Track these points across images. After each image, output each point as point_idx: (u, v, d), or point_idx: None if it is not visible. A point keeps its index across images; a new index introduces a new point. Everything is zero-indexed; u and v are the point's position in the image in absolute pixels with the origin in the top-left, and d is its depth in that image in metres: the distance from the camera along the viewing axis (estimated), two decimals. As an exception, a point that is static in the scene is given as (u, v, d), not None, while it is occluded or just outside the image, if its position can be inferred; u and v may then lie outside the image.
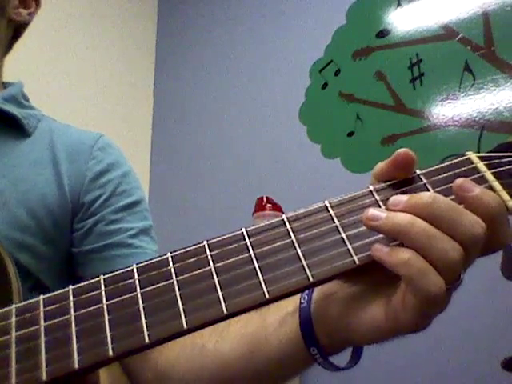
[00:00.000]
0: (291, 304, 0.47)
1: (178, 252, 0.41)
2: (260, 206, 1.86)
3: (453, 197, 0.39)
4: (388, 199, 0.40)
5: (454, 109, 1.84)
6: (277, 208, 1.84)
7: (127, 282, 0.40)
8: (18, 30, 0.81)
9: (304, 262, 0.39)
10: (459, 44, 1.88)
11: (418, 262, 0.36)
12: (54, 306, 0.40)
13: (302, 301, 0.46)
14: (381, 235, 0.39)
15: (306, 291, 0.46)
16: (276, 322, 0.48)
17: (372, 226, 0.38)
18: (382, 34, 2.06)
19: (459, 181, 0.39)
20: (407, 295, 0.37)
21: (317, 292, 0.45)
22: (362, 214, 0.39)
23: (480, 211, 0.37)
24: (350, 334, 0.42)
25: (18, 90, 0.79)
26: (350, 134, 2.03)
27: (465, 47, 1.86)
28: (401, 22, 2.04)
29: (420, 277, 0.36)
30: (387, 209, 0.39)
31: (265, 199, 1.87)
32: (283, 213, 1.79)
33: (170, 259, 0.41)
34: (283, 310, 0.48)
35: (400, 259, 0.37)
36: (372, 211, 0.38)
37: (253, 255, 0.40)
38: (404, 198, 0.38)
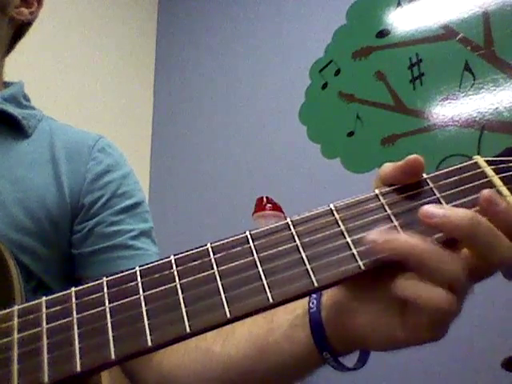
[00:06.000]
0: (300, 307, 0.47)
1: (182, 255, 0.41)
2: (260, 205, 1.86)
3: (462, 200, 0.39)
4: (394, 203, 0.40)
5: (454, 109, 1.84)
6: (277, 208, 1.84)
7: (130, 284, 0.40)
8: (19, 29, 0.80)
9: (308, 267, 0.38)
10: (459, 44, 1.88)
11: (411, 282, 0.37)
12: (56, 308, 0.40)
13: (311, 305, 0.46)
14: None
15: (314, 295, 0.46)
16: (285, 325, 0.48)
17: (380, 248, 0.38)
18: (382, 34, 2.06)
19: (487, 193, 0.38)
20: (418, 312, 0.37)
21: (328, 298, 0.45)
22: (369, 235, 0.38)
23: (504, 225, 0.37)
24: (364, 342, 0.42)
25: (18, 89, 0.79)
26: (350, 134, 2.03)
27: (465, 47, 1.86)
28: (401, 21, 2.04)
29: (419, 296, 0.36)
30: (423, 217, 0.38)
31: (265, 199, 1.87)
32: (283, 213, 1.78)
33: (173, 262, 0.40)
34: (292, 313, 0.48)
35: (398, 284, 0.37)
36: (373, 235, 0.38)
37: (257, 259, 0.39)
38: (439, 211, 0.37)
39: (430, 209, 0.38)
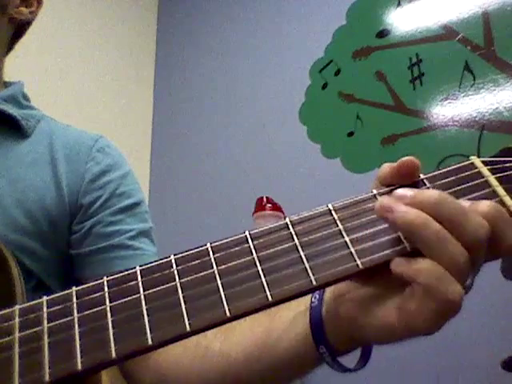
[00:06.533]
0: (302, 304, 0.47)
1: (182, 254, 0.41)
2: (260, 205, 1.86)
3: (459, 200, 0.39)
4: None
5: (454, 109, 1.84)
6: (277, 208, 1.84)
7: (130, 283, 0.40)
8: (19, 28, 0.80)
9: (307, 266, 0.39)
10: (459, 44, 1.88)
11: (435, 269, 0.36)
12: (57, 307, 0.40)
13: (313, 300, 0.46)
14: (384, 239, 0.39)
15: (318, 291, 0.46)
16: (286, 321, 0.49)
17: (384, 216, 0.38)
18: (382, 34, 2.07)
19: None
20: (425, 301, 0.37)
21: (328, 292, 0.45)
22: (376, 202, 0.39)
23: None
24: (360, 335, 0.42)
25: (18, 89, 0.79)
26: (350, 134, 2.03)
27: (465, 47, 1.86)
28: (401, 22, 2.04)
29: (438, 284, 0.36)
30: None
31: (265, 199, 1.87)
32: (283, 213, 1.78)
33: (173, 261, 0.41)
34: (294, 309, 0.48)
35: (417, 268, 0.37)
36: (387, 201, 0.38)
37: (256, 258, 0.40)
38: (410, 192, 0.38)
39: (403, 191, 0.39)
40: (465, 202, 0.38)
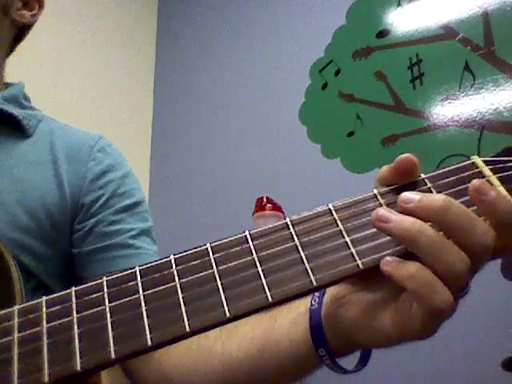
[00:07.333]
0: (303, 306, 0.47)
1: (181, 254, 0.41)
2: (260, 206, 1.86)
3: (460, 200, 0.39)
4: (393, 203, 0.40)
5: (454, 109, 1.84)
6: (277, 208, 1.84)
7: (130, 284, 0.40)
8: (20, 31, 0.81)
9: (307, 266, 0.39)
10: (459, 44, 1.87)
11: (424, 275, 0.36)
12: (56, 308, 0.40)
13: (313, 303, 0.46)
14: (384, 239, 0.39)
15: (317, 293, 0.46)
16: (287, 323, 0.49)
17: (380, 227, 0.38)
18: (382, 34, 2.06)
19: (477, 182, 0.38)
20: (414, 306, 0.37)
21: (327, 294, 0.45)
22: (372, 213, 0.38)
23: (493, 216, 0.37)
24: (357, 338, 0.42)
25: (18, 90, 0.79)
26: (350, 134, 2.03)
27: (465, 47, 1.86)
28: (401, 21, 2.04)
29: (426, 291, 0.36)
30: (398, 207, 0.39)
31: (265, 199, 1.87)
32: (283, 213, 1.77)
33: (172, 261, 0.41)
34: (295, 311, 0.48)
35: (407, 273, 0.36)
36: (382, 212, 0.38)
37: (256, 258, 0.40)
38: (416, 196, 0.38)
39: (408, 195, 0.38)
40: (492, 191, 0.38)
